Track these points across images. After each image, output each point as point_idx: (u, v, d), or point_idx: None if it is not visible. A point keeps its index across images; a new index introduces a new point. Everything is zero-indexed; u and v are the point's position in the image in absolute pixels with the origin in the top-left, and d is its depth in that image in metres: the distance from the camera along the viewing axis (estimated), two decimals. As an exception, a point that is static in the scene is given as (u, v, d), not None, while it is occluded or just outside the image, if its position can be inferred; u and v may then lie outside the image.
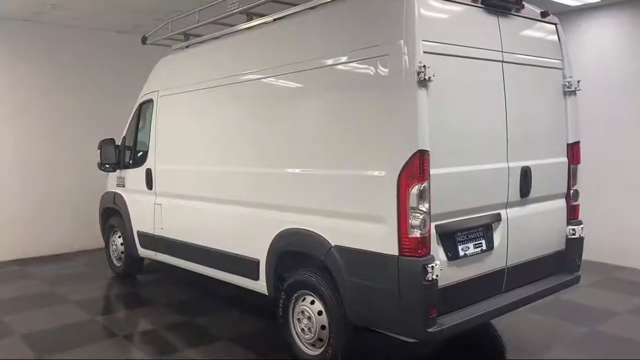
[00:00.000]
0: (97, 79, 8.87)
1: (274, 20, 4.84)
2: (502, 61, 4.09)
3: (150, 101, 6.36)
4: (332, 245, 3.97)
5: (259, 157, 4.76)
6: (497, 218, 4.08)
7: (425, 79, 3.42)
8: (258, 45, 4.97)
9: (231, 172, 5.11)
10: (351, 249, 3.84)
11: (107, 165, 6.86)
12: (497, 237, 4.07)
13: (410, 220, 3.46)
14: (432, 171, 3.49)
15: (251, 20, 5.15)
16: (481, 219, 3.97)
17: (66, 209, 8.67)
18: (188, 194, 5.69)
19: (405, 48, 3.48)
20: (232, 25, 5.47)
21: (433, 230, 3.57)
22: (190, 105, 5.76)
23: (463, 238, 3.83)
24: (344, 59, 3.94)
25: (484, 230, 4.00)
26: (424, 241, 3.47)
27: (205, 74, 5.49)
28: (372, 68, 3.70)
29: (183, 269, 6.02)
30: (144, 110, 6.60)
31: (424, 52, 3.48)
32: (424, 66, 3.41)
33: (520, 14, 4.27)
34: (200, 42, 5.95)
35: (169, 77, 6.17)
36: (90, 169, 8.31)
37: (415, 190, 3.44)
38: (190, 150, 5.74)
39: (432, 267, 3.45)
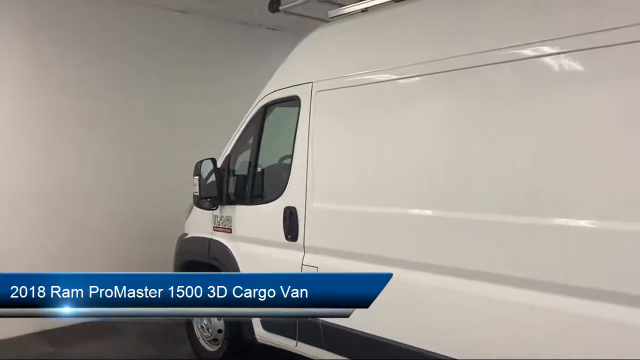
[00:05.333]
0: (158, 73, 6.52)
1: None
2: None
3: (294, 100, 3.98)
4: None
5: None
6: None
7: None
8: None
9: (506, 223, 2.79)
10: None
11: (207, 200, 4.47)
12: None
13: None
14: None
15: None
16: None
17: (100, 251, 6.20)
18: (382, 254, 3.34)
19: None
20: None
21: None
22: (392, 102, 3.42)
23: None
24: None
25: None
26: None
27: (434, 49, 3.16)
28: None
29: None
30: (270, 114, 4.26)
31: None
32: None
33: None
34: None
35: (338, 61, 3.78)
36: (139, 194, 6.36)
37: None
38: (392, 180, 3.37)
39: None
